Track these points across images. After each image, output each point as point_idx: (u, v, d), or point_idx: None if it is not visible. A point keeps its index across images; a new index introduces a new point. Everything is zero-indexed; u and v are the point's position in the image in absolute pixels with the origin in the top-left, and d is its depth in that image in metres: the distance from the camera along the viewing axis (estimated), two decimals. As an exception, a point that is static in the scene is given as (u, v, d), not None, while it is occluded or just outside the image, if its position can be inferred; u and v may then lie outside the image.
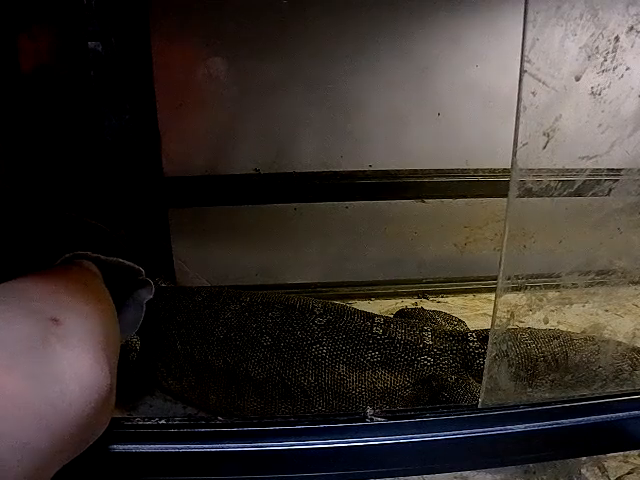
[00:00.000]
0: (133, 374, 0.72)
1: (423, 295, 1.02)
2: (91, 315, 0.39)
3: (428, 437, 0.42)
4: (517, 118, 0.37)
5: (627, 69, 0.38)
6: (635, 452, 0.63)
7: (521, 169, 0.38)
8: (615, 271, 0.45)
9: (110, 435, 0.39)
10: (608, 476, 0.61)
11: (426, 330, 0.69)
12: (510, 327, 0.44)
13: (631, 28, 0.37)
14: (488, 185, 0.94)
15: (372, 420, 0.42)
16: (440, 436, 0.42)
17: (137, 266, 0.51)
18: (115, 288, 0.49)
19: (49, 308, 0.36)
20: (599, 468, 0.61)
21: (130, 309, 0.53)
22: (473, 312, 0.96)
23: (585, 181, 0.41)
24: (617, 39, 0.37)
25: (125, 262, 0.50)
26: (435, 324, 0.76)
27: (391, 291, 1.01)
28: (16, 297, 0.36)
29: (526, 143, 0.37)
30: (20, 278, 0.39)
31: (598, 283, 0.45)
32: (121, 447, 0.40)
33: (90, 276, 0.47)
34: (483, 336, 0.68)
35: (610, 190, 0.42)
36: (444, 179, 0.94)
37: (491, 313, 0.43)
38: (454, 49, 0.87)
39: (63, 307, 0.37)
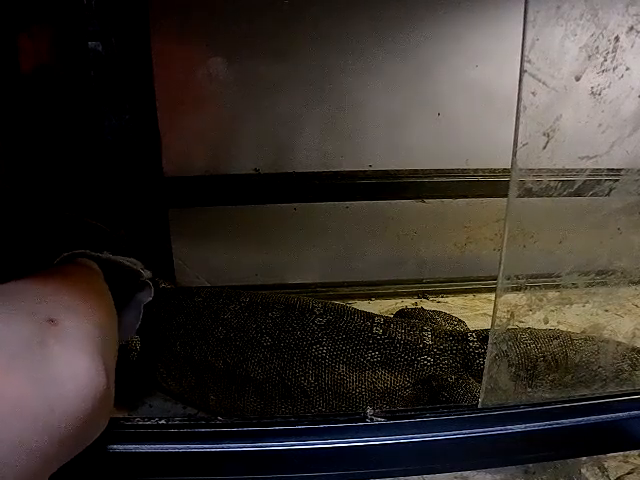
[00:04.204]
0: (133, 374, 0.72)
1: (423, 295, 1.02)
2: (89, 315, 0.39)
3: (428, 437, 0.42)
4: (517, 118, 0.37)
5: (627, 69, 0.38)
6: (635, 452, 0.63)
7: (521, 169, 0.38)
8: (615, 271, 0.45)
9: (110, 435, 0.39)
10: (608, 476, 0.61)
11: (426, 330, 0.69)
12: (510, 327, 0.44)
13: (631, 28, 0.37)
14: (488, 185, 0.94)
15: (372, 420, 0.42)
16: (440, 436, 0.42)
17: (137, 267, 0.51)
18: (115, 289, 0.49)
19: (46, 309, 0.36)
20: (599, 468, 0.61)
21: (130, 311, 0.53)
22: (473, 312, 0.96)
23: (585, 181, 0.41)
24: (617, 39, 0.37)
25: (125, 263, 0.50)
26: (435, 324, 0.76)
27: (391, 291, 1.01)
28: (13, 298, 0.36)
29: (526, 143, 0.37)
30: (17, 280, 0.39)
31: (598, 283, 0.45)
32: (121, 447, 0.40)
33: (90, 274, 0.46)
34: (483, 336, 0.68)
35: (610, 190, 0.42)
36: (444, 179, 0.94)
37: (491, 313, 0.43)
38: (454, 49, 0.87)
39: (60, 307, 0.37)
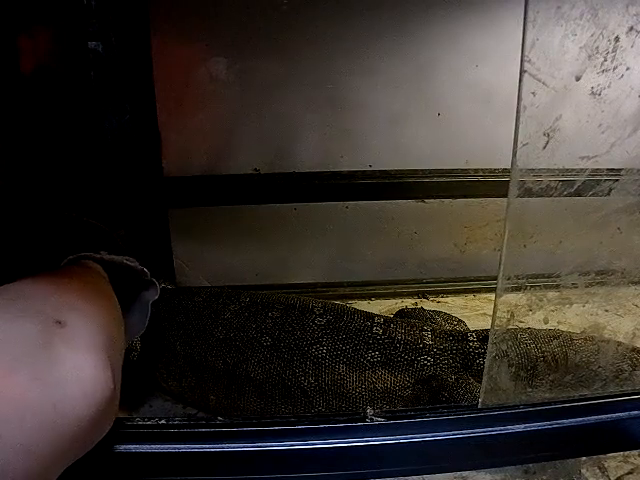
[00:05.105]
0: (134, 374, 0.72)
1: (423, 295, 1.02)
2: (95, 317, 0.39)
3: (428, 437, 0.42)
4: (517, 118, 0.37)
5: (627, 69, 0.38)
6: (635, 452, 0.63)
7: (521, 169, 0.38)
8: (615, 271, 0.45)
9: (110, 435, 0.39)
10: (608, 476, 0.61)
11: (426, 330, 0.69)
12: (510, 327, 0.44)
13: (631, 28, 0.37)
14: (488, 185, 0.94)
15: (372, 420, 0.42)
16: (440, 436, 0.42)
17: (141, 267, 0.51)
18: (120, 290, 0.49)
19: (53, 310, 0.36)
20: (599, 468, 0.61)
21: (136, 311, 0.52)
22: (473, 312, 0.96)
23: (585, 181, 0.41)
24: (617, 39, 0.37)
25: (129, 263, 0.50)
26: (435, 324, 0.76)
27: (391, 291, 1.01)
28: (20, 298, 0.36)
29: (526, 143, 0.37)
30: (24, 279, 0.39)
31: (598, 283, 0.45)
32: (121, 447, 0.40)
33: (95, 277, 0.46)
34: (483, 336, 0.68)
35: (610, 190, 0.42)
36: (444, 179, 0.94)
37: (491, 313, 0.43)
38: (454, 49, 0.87)
39: (67, 309, 0.37)
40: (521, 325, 0.48)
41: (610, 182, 0.42)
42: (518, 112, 0.37)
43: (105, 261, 0.48)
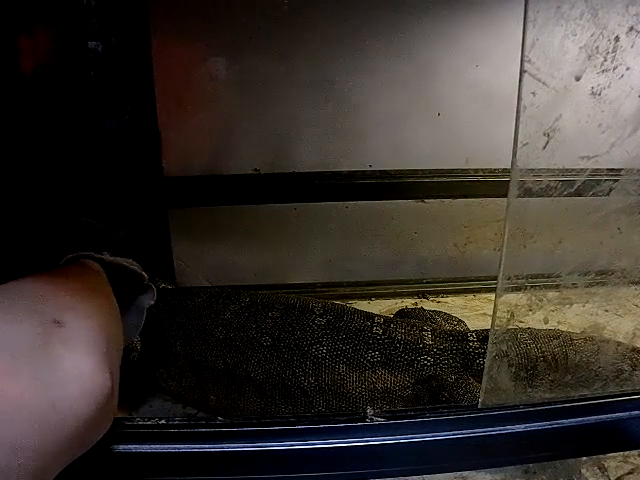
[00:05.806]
0: (134, 374, 0.72)
1: (423, 295, 1.02)
2: (93, 316, 0.39)
3: (428, 437, 0.42)
4: (517, 118, 0.37)
5: (627, 69, 0.38)
6: (635, 452, 0.63)
7: (521, 169, 0.38)
8: (615, 271, 0.45)
9: (110, 435, 0.39)
10: (608, 476, 0.61)
11: (426, 330, 0.69)
12: (510, 327, 0.44)
13: (631, 28, 0.37)
14: (488, 185, 0.94)
15: (372, 420, 0.42)
16: (440, 436, 0.42)
17: (140, 270, 0.51)
18: (118, 291, 0.49)
19: (51, 309, 0.36)
20: (599, 468, 0.61)
21: (132, 314, 0.52)
22: (473, 312, 0.96)
23: (585, 181, 0.41)
24: (617, 39, 0.37)
25: (129, 266, 0.50)
26: (435, 324, 0.76)
27: (391, 291, 1.01)
28: (18, 298, 0.36)
29: (526, 143, 0.37)
30: (22, 278, 0.39)
31: (598, 283, 0.45)
32: (121, 447, 0.40)
33: (94, 276, 0.46)
34: (483, 336, 0.68)
35: (610, 190, 0.42)
36: (444, 179, 0.94)
37: (491, 313, 0.43)
38: (454, 49, 0.87)
39: (65, 308, 0.37)
40: (521, 325, 0.48)
41: (610, 182, 0.42)
42: (518, 112, 0.37)
43: (105, 262, 0.48)
